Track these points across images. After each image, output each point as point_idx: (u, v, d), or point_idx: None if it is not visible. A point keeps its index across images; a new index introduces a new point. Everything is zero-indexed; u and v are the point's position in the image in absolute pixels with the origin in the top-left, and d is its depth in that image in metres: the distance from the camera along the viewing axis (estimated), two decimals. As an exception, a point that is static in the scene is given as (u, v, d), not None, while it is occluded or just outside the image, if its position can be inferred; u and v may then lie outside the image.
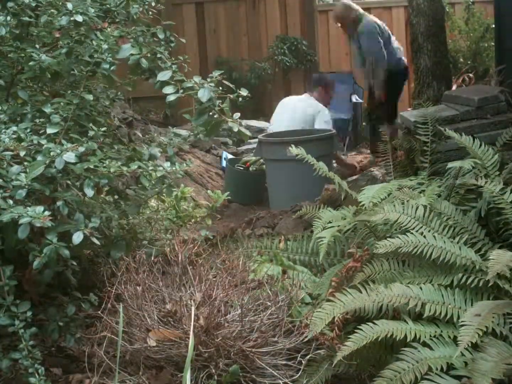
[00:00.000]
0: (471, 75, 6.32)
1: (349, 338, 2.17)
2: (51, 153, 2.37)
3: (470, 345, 2.02)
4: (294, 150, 3.30)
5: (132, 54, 2.76)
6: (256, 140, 7.23)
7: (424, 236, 2.50)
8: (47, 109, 2.64)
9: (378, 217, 2.63)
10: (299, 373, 2.35)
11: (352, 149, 7.99)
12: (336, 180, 3.10)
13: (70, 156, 2.38)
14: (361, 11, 6.60)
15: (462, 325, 2.08)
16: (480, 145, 3.01)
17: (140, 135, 5.61)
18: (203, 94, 2.71)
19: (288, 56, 8.73)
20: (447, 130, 3.15)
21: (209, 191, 4.83)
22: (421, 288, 2.35)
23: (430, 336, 2.19)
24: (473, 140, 3.06)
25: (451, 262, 2.44)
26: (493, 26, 5.45)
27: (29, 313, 2.28)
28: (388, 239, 2.50)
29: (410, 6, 5.27)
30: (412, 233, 2.52)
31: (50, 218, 2.24)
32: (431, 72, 5.11)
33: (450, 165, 2.98)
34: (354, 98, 8.38)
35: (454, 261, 2.43)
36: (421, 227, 2.60)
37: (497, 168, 2.90)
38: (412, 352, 2.12)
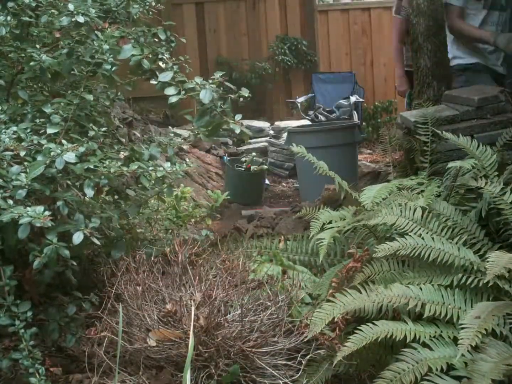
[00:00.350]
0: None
1: (349, 338, 2.17)
2: (51, 153, 2.37)
3: (470, 348, 2.02)
4: (295, 148, 3.32)
5: (133, 55, 2.76)
6: (256, 140, 7.26)
7: (423, 238, 2.50)
8: (47, 109, 2.64)
9: (376, 221, 2.64)
10: (299, 373, 2.35)
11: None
12: (336, 180, 3.10)
13: (70, 156, 2.38)
14: None
15: (462, 328, 2.08)
16: (478, 145, 3.01)
17: (140, 135, 5.61)
18: (205, 95, 2.71)
19: (288, 56, 8.74)
20: (444, 132, 3.14)
21: (209, 191, 4.83)
22: (421, 288, 2.35)
23: (430, 336, 2.19)
24: (472, 140, 3.05)
25: (449, 263, 2.44)
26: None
27: (29, 313, 2.28)
28: (386, 242, 2.50)
29: (410, 6, 5.26)
30: (410, 235, 2.52)
31: (50, 218, 2.24)
32: (431, 72, 5.09)
33: (450, 164, 2.97)
34: (355, 98, 8.38)
35: (452, 262, 2.43)
36: (419, 229, 2.60)
37: (495, 169, 2.89)
38: (412, 352, 2.12)
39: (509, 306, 2.24)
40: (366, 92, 8.87)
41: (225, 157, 6.71)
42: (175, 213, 3.63)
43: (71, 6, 2.66)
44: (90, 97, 2.70)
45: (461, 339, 2.04)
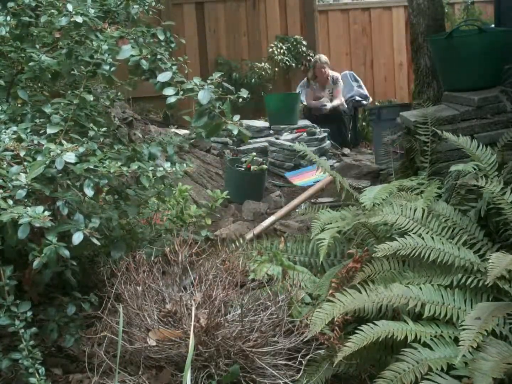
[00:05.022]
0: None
1: (350, 338, 2.17)
2: (51, 153, 2.37)
3: (471, 348, 2.02)
4: (297, 146, 3.34)
5: (132, 55, 2.76)
6: (256, 140, 7.24)
7: (423, 238, 2.50)
8: (47, 109, 2.64)
9: (377, 219, 2.63)
10: (300, 373, 2.35)
11: (352, 147, 8.02)
12: (337, 179, 3.10)
13: (70, 156, 2.38)
14: None
15: (463, 329, 2.08)
16: (478, 145, 3.00)
17: (140, 135, 5.61)
18: (203, 96, 2.70)
19: (288, 56, 8.73)
20: (444, 132, 3.14)
21: (208, 191, 4.82)
22: (420, 288, 2.35)
23: (431, 336, 2.19)
24: (472, 140, 3.05)
25: (449, 263, 2.44)
26: (493, 26, 5.44)
27: (29, 313, 2.28)
28: (386, 242, 2.50)
29: (410, 6, 5.27)
30: (410, 235, 2.52)
31: (50, 218, 2.24)
32: (431, 72, 5.10)
33: (452, 168, 2.97)
34: (357, 97, 8.39)
35: (452, 262, 2.43)
36: (420, 228, 2.59)
37: (495, 168, 2.89)
38: (412, 352, 2.12)
39: (509, 306, 2.24)
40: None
41: (226, 155, 6.71)
42: (175, 213, 3.62)
43: (69, 7, 2.66)
44: (90, 97, 2.70)
45: (462, 340, 2.04)
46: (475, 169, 2.90)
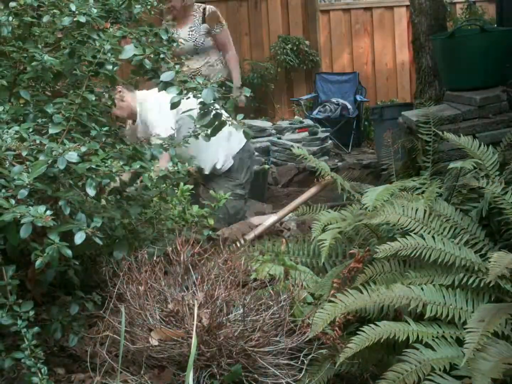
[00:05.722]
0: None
1: (352, 339, 2.17)
2: (53, 153, 2.37)
3: (476, 351, 2.03)
4: (296, 150, 3.34)
5: (135, 55, 2.76)
6: (258, 139, 7.25)
7: (423, 238, 2.50)
8: (49, 109, 2.64)
9: (379, 220, 2.63)
10: (302, 373, 2.35)
11: (355, 148, 8.03)
12: (338, 181, 3.10)
13: (72, 156, 2.38)
14: None
15: (468, 332, 2.08)
16: (480, 145, 3.00)
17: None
18: (207, 95, 2.71)
19: (290, 56, 8.74)
20: (444, 133, 3.14)
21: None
22: (422, 288, 2.35)
23: (433, 336, 2.19)
24: (473, 140, 3.05)
25: (451, 263, 2.44)
26: (495, 26, 5.44)
27: (31, 313, 2.28)
28: (387, 242, 2.49)
29: (412, 6, 5.28)
30: (411, 235, 2.52)
31: (52, 217, 2.24)
32: (433, 71, 5.11)
33: (451, 165, 2.97)
34: (358, 98, 8.40)
35: (454, 262, 2.43)
36: (422, 228, 2.59)
37: (497, 168, 2.89)
38: (414, 353, 2.12)
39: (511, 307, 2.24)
40: (368, 91, 8.88)
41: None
42: (177, 213, 3.62)
43: (73, 6, 2.66)
44: (92, 96, 2.70)
45: (467, 342, 2.04)
46: (475, 167, 2.90)
